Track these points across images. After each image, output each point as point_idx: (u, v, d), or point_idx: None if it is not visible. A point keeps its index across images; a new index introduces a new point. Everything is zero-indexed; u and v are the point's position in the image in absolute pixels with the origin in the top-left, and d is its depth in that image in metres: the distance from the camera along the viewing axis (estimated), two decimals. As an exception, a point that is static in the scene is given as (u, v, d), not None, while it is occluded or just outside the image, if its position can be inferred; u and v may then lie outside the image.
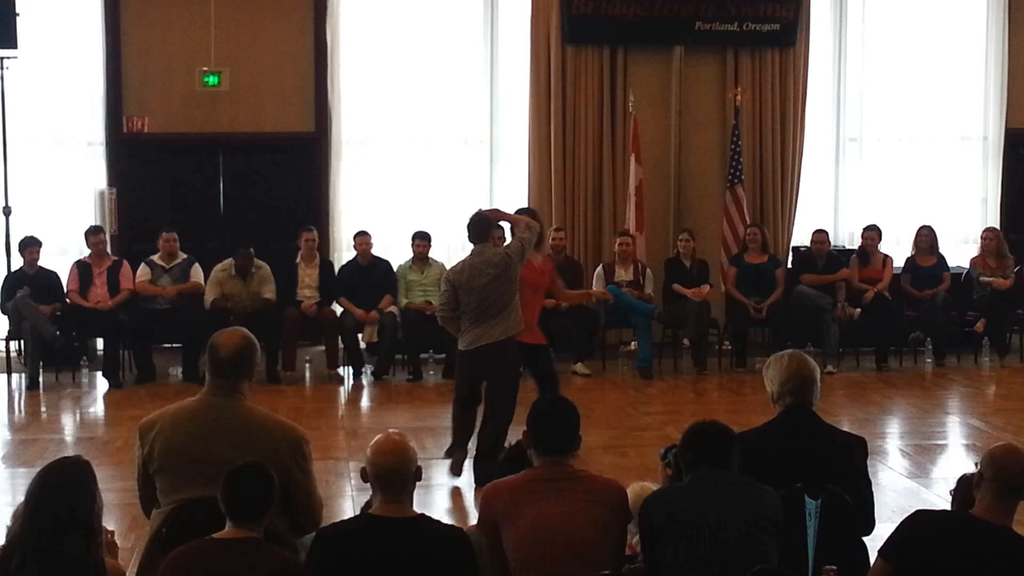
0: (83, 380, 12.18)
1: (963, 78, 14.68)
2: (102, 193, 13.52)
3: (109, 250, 12.71)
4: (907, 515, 4.68)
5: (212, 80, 13.26)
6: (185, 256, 12.59)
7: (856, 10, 14.43)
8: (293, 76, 13.82)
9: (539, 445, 4.97)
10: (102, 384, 12.07)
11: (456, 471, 8.58)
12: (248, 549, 4.39)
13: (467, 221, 8.75)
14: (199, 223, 13.42)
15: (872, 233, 13.38)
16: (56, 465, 4.53)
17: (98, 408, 11.52)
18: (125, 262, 12.52)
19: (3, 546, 4.44)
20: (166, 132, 13.57)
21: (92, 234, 12.53)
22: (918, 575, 4.42)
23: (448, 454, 8.79)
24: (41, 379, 12.07)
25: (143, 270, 12.49)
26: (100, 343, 12.67)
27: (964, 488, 5.15)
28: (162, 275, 12.50)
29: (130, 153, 13.65)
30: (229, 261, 12.43)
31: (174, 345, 12.64)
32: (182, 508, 4.84)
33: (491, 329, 8.37)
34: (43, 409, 11.38)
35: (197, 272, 12.56)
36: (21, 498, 4.50)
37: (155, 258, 12.55)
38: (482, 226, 8.64)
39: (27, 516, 4.36)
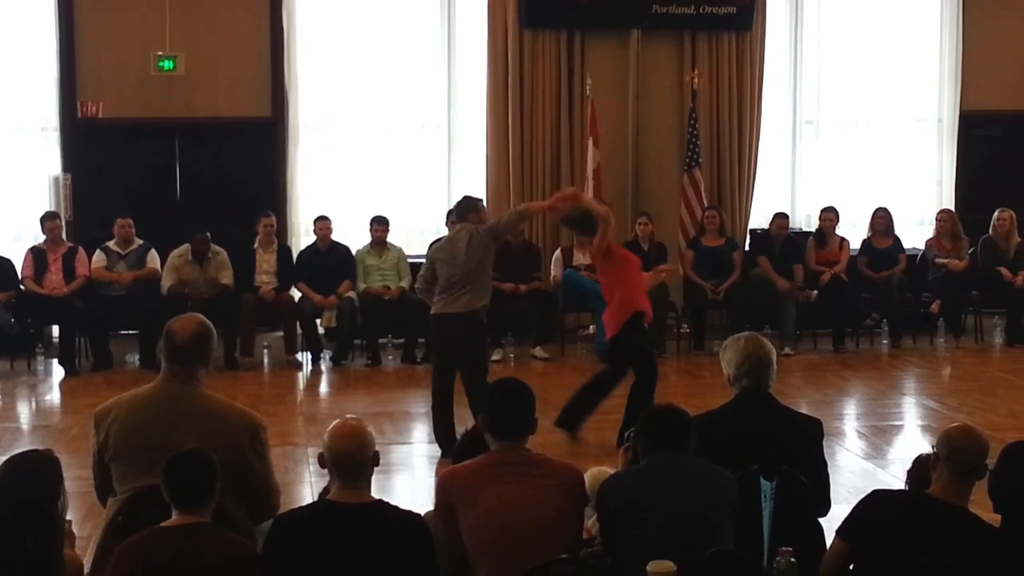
0: (38, 368, 12.11)
1: (918, 61, 14.75)
2: (57, 179, 13.40)
3: (64, 236, 12.61)
4: (864, 495, 4.71)
5: (167, 65, 13.16)
6: (141, 242, 12.51)
7: (812, -7, 14.48)
8: (249, 61, 13.74)
9: (496, 429, 4.97)
10: (58, 372, 12.00)
11: None
12: (196, 535, 4.37)
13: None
14: (155, 209, 13.32)
15: (830, 215, 13.45)
16: (23, 458, 4.50)
17: (54, 396, 11.46)
18: (80, 248, 12.43)
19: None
20: (121, 117, 13.45)
21: (48, 220, 12.43)
22: (875, 554, 4.45)
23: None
24: (-4, 367, 11.99)
25: (99, 256, 12.40)
26: (56, 330, 12.58)
27: (920, 469, 5.19)
28: (118, 261, 12.42)
29: (85, 138, 13.53)
30: (186, 247, 12.37)
31: (131, 332, 12.56)
32: (138, 496, 4.82)
33: (455, 300, 8.87)
34: (-2, 397, 11.31)
35: (153, 258, 12.49)
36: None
37: (111, 244, 12.47)
38: (463, 207, 9.33)
39: None
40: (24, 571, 4.23)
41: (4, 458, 4.63)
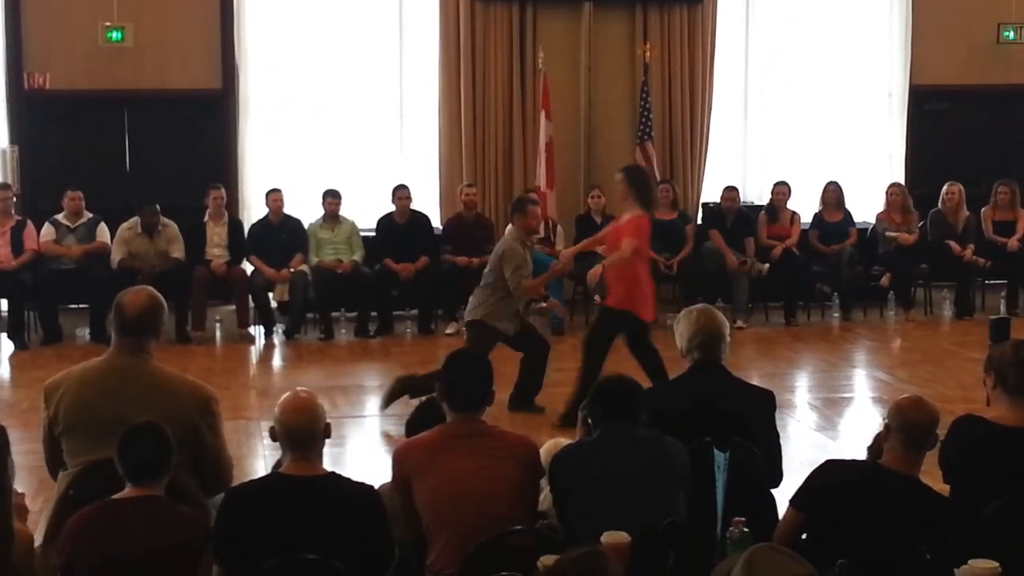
0: (-13, 342, 12.01)
1: (868, 35, 14.80)
2: (3, 151, 13.23)
3: (14, 210, 12.47)
4: (817, 465, 4.74)
5: (116, 36, 13.00)
6: (91, 215, 12.40)
7: (764, -33, 14.51)
8: (199, 32, 13.61)
9: (451, 400, 4.97)
10: (7, 346, 11.89)
11: None
12: (149, 507, 4.35)
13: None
14: (104, 182, 13.19)
15: (782, 189, 13.50)
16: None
17: (3, 370, 11.37)
18: (29, 222, 12.30)
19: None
20: (69, 89, 13.30)
21: (1, 190, 12.29)
22: (828, 524, 4.49)
23: None
24: (-57, 341, 11.88)
25: (47, 229, 12.28)
26: (4, 304, 12.45)
27: (878, 445, 5.24)
28: (67, 235, 12.31)
29: (32, 110, 13.37)
30: (135, 219, 12.28)
31: (81, 306, 12.45)
32: (89, 470, 4.79)
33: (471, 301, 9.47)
34: (-54, 372, 11.21)
35: (103, 231, 12.38)
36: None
37: (60, 217, 12.35)
38: (512, 206, 9.60)
39: None
40: None
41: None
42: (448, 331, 12.33)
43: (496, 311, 9.12)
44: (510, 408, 8.99)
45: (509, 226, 9.49)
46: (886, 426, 4.66)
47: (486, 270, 9.38)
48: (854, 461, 4.82)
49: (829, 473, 4.68)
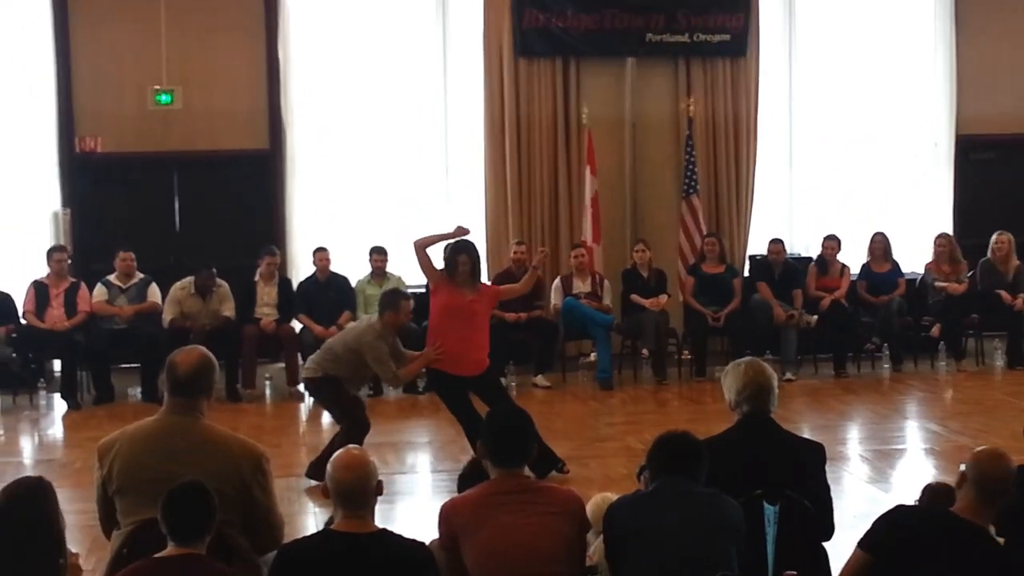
0: (41, 402, 12.07)
1: (913, 85, 14.81)
2: (56, 214, 13.42)
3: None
4: (887, 510, 4.73)
5: (165, 99, 13.21)
6: (142, 275, 12.53)
7: (806, 19, 14.55)
8: (246, 93, 13.79)
9: (494, 457, 4.97)
10: (60, 406, 11.98)
11: None
12: (190, 567, 4.37)
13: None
14: (155, 242, 13.35)
15: (832, 243, 13.45)
16: (17, 485, 4.51)
17: (56, 430, 11.44)
18: (83, 283, 12.42)
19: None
20: (120, 152, 13.50)
21: (55, 252, 12.44)
22: (894, 567, 4.46)
23: None
24: (-2, 402, 11.99)
25: (100, 290, 12.41)
26: (57, 364, 12.57)
27: (930, 496, 5.22)
28: (119, 295, 12.43)
29: (84, 173, 13.58)
30: (189, 280, 12.38)
31: (132, 365, 12.54)
32: (142, 528, 4.81)
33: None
34: (1, 432, 11.28)
35: (154, 291, 12.50)
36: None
37: (112, 278, 12.48)
38: (383, 301, 9.17)
39: None
40: None
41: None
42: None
43: (351, 379, 9.02)
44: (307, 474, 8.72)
45: (367, 318, 9.14)
46: (962, 475, 4.64)
47: (334, 342, 9.16)
48: (927, 508, 4.80)
49: (900, 516, 4.67)
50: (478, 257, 9.14)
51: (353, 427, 8.76)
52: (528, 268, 12.83)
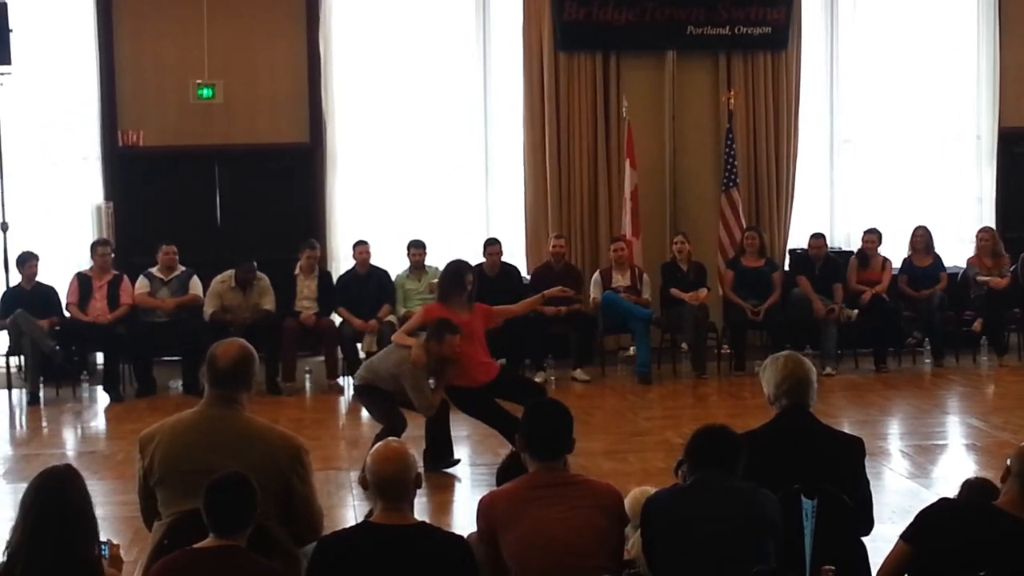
0: (83, 395, 12.19)
1: (955, 77, 14.72)
2: (99, 207, 13.53)
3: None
4: (928, 503, 4.74)
5: (206, 92, 13.28)
6: (184, 268, 12.60)
7: (847, 11, 14.48)
8: (287, 87, 13.85)
9: (533, 450, 4.98)
10: (103, 398, 12.08)
11: None
12: (229, 558, 4.39)
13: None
14: (196, 235, 13.42)
15: (872, 236, 13.39)
16: (46, 475, 4.55)
17: (99, 422, 11.53)
18: (125, 276, 12.50)
19: (4, 562, 4.46)
20: (162, 145, 13.60)
21: (99, 246, 12.55)
22: (937, 559, 4.47)
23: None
24: (42, 394, 12.07)
25: (142, 283, 12.50)
26: (100, 357, 12.67)
27: (968, 491, 5.19)
28: (161, 288, 12.51)
29: (126, 167, 13.67)
30: (229, 273, 12.44)
31: (174, 358, 12.62)
32: (183, 519, 4.85)
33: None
34: (44, 424, 11.39)
35: (196, 284, 12.57)
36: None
37: (154, 271, 12.56)
38: (431, 332, 8.87)
39: (24, 526, 4.39)
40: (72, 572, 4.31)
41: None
42: (536, 380, 12.35)
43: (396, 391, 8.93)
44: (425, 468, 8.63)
45: (419, 340, 8.93)
46: (1007, 468, 4.63)
47: (378, 363, 9.03)
48: (970, 500, 4.79)
49: (943, 509, 4.67)
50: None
51: (391, 431, 8.77)
52: (565, 262, 12.94)
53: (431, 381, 8.92)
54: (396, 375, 8.77)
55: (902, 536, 4.65)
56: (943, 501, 4.77)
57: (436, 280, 12.63)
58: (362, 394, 9.18)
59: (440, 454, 8.98)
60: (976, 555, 4.42)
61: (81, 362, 12.53)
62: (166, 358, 12.81)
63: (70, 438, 11.11)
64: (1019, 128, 14.54)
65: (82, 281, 12.41)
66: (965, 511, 4.65)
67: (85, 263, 12.68)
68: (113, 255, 12.68)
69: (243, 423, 5.06)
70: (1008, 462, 4.66)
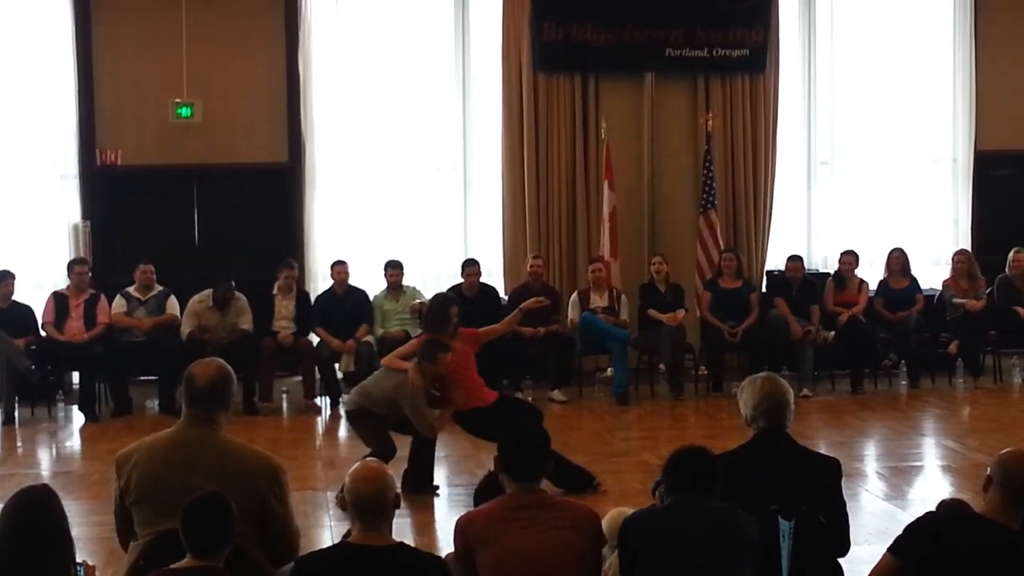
0: (59, 414, 12.12)
1: (932, 100, 14.79)
2: (76, 226, 13.49)
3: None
4: (916, 517, 4.79)
5: (185, 111, 13.25)
6: (161, 288, 12.57)
7: (824, 35, 14.54)
8: (265, 107, 13.85)
9: (511, 472, 4.99)
10: (78, 418, 12.02)
11: None
12: None
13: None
14: (174, 255, 13.39)
15: (849, 258, 13.43)
16: (22, 494, 4.54)
17: (74, 442, 11.47)
18: (102, 295, 12.47)
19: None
20: (139, 164, 13.57)
21: (76, 265, 12.51)
22: (926, 570, 4.50)
23: None
24: (17, 413, 12.00)
25: (119, 302, 12.46)
26: (76, 376, 12.61)
27: (943, 513, 5.21)
28: (138, 307, 12.48)
29: (104, 186, 13.63)
30: (207, 292, 12.42)
31: (150, 377, 12.58)
32: (159, 540, 4.84)
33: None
34: (19, 444, 11.32)
35: (173, 304, 12.54)
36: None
37: (131, 290, 12.53)
38: (423, 353, 8.82)
39: (1, 546, 4.38)
40: None
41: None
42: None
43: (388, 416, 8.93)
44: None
45: (412, 364, 8.84)
46: (988, 478, 4.66)
47: (371, 388, 8.99)
48: (955, 511, 4.82)
49: (930, 522, 4.70)
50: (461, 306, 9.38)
51: (379, 455, 8.73)
52: (543, 282, 12.95)
53: (437, 412, 8.88)
54: (394, 399, 8.72)
55: (890, 549, 4.67)
56: (928, 514, 4.81)
57: (415, 301, 12.76)
58: (353, 419, 9.15)
59: (421, 480, 8.93)
60: (965, 564, 4.47)
61: (57, 381, 12.47)
62: (142, 378, 12.75)
63: (45, 458, 11.05)
64: (995, 151, 14.62)
65: (58, 300, 12.37)
66: (952, 522, 4.70)
67: (62, 282, 12.64)
68: (90, 274, 12.64)
69: (221, 443, 5.06)
70: (988, 471, 4.70)
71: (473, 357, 9.18)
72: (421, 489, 8.82)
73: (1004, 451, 4.75)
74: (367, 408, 8.88)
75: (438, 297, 9.51)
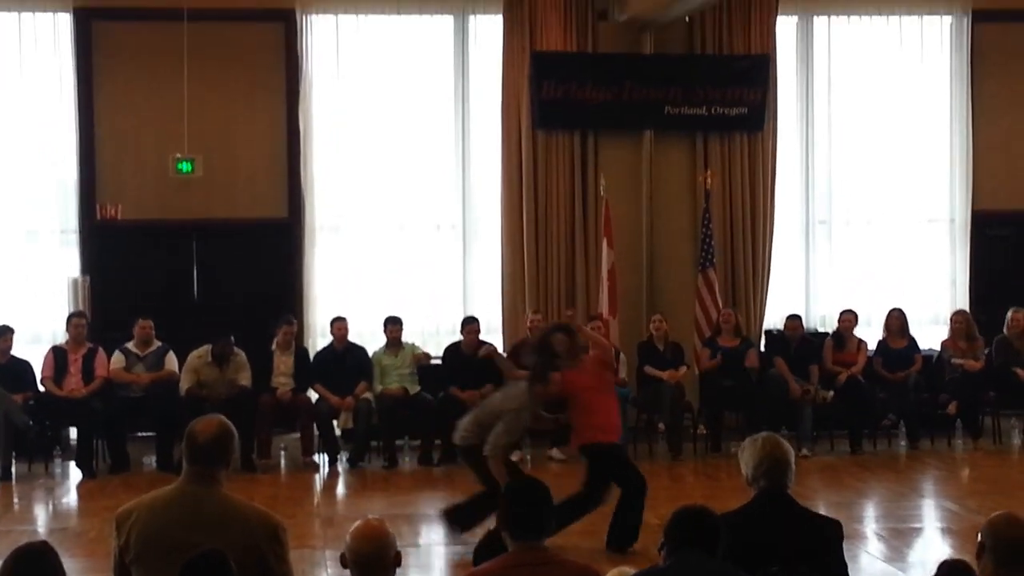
0: (56, 470, 12.10)
1: (929, 160, 14.85)
2: (75, 281, 13.47)
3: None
4: None
5: (185, 167, 13.27)
6: (160, 343, 12.56)
7: (822, 94, 14.62)
8: (266, 162, 13.90)
9: (512, 529, 4.96)
10: (75, 474, 11.98)
11: None
12: None
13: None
14: (173, 310, 13.37)
15: (849, 316, 13.47)
16: (21, 550, 4.52)
17: (71, 499, 11.44)
18: (100, 349, 12.47)
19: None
20: (140, 219, 13.59)
21: (74, 318, 12.53)
22: None
23: None
24: (14, 469, 11.97)
25: (117, 357, 12.45)
26: (74, 432, 12.57)
27: (945, 574, 5.18)
28: (136, 363, 12.46)
29: (104, 240, 13.64)
30: (206, 348, 12.41)
31: (148, 434, 12.54)
32: (159, 598, 4.81)
33: None
34: (15, 500, 11.29)
35: (171, 360, 12.52)
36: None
37: (130, 345, 12.52)
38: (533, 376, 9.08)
39: None
40: None
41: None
42: (512, 459, 12.31)
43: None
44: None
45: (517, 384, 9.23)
46: (980, 544, 4.62)
47: (481, 414, 9.17)
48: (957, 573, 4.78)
49: None
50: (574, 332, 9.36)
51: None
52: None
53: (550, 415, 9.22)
54: (500, 412, 8.84)
55: None
56: None
57: (417, 351, 12.77)
58: (467, 455, 9.15)
59: (474, 516, 8.91)
60: None
61: (54, 437, 12.45)
62: (140, 434, 12.73)
63: (42, 514, 11.01)
64: (992, 211, 14.68)
65: (57, 355, 12.36)
66: None
67: (61, 337, 12.64)
68: (88, 327, 12.62)
69: (222, 500, 5.03)
70: (979, 537, 4.65)
71: (600, 381, 9.21)
72: (467, 525, 8.84)
73: (994, 515, 4.71)
74: (476, 442, 8.90)
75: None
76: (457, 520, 8.97)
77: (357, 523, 4.64)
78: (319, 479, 12.06)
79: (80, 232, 13.65)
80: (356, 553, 4.53)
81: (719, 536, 4.86)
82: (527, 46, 13.80)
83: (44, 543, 4.63)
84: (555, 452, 12.50)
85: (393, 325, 12.95)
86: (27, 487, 11.61)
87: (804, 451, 12.39)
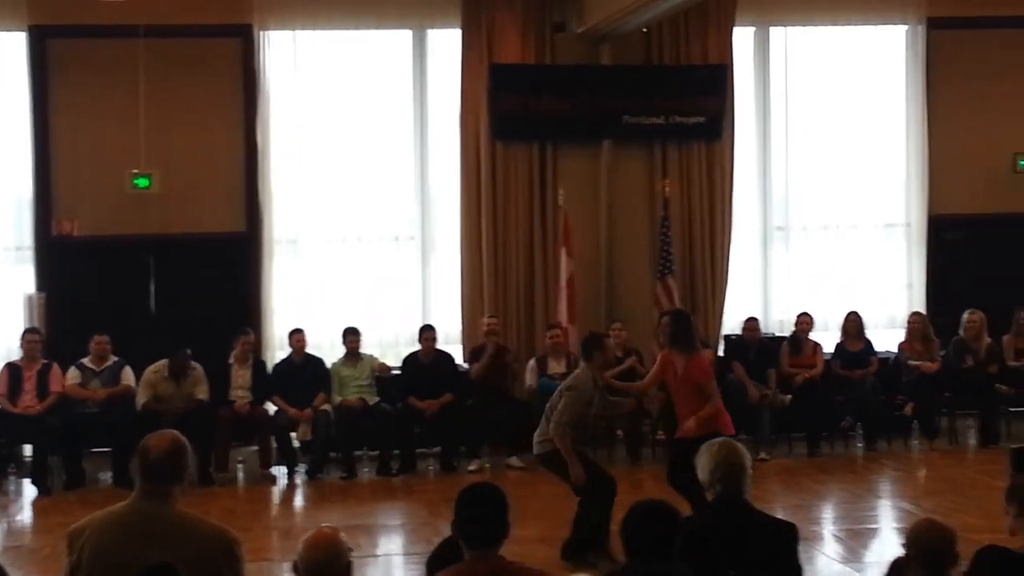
0: (10, 487, 12.00)
1: (886, 166, 14.94)
2: (31, 297, 13.36)
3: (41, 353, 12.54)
4: None
5: (142, 182, 13.20)
6: (116, 359, 12.48)
7: (779, 102, 14.67)
8: (224, 177, 13.83)
9: (467, 537, 4.94)
10: (30, 491, 11.88)
11: None
12: None
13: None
14: (130, 325, 13.25)
15: (805, 318, 13.56)
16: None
17: (25, 516, 11.35)
18: (55, 365, 12.37)
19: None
20: (96, 235, 13.49)
21: (28, 334, 12.43)
22: None
23: None
24: (-33, 487, 11.88)
25: (73, 373, 12.36)
26: (28, 449, 12.47)
27: (896, 572, 5.21)
28: (92, 378, 12.38)
29: (60, 256, 13.54)
30: (162, 363, 12.34)
31: (104, 449, 12.45)
32: (110, 615, 4.78)
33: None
34: (-30, 518, 11.19)
35: (128, 375, 12.45)
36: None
37: (85, 361, 12.44)
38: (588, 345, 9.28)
39: None
40: None
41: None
42: (471, 468, 12.34)
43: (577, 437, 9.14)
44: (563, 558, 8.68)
45: (583, 363, 9.29)
46: (906, 556, 4.64)
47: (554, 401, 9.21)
48: None
49: None
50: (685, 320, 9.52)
51: (593, 493, 8.87)
52: (496, 341, 12.96)
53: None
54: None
55: None
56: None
57: (374, 364, 12.77)
58: (548, 463, 9.16)
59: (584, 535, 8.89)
60: None
61: (9, 454, 12.35)
62: (96, 450, 12.62)
63: (-4, 532, 10.92)
64: (948, 215, 14.77)
65: (12, 372, 12.27)
66: None
67: (16, 354, 12.55)
68: (42, 343, 12.53)
69: (175, 517, 5.00)
70: (904, 549, 4.66)
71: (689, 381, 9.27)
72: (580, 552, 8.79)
73: (914, 523, 4.73)
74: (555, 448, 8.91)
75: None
76: (579, 551, 8.87)
77: (309, 532, 4.63)
78: (277, 491, 12.02)
79: (36, 248, 13.55)
80: (307, 562, 4.52)
81: (675, 536, 4.85)
82: (485, 59, 13.80)
83: None
84: (514, 460, 12.50)
85: (352, 336, 12.92)
86: (-19, 505, 11.51)
87: (763, 454, 12.45)
